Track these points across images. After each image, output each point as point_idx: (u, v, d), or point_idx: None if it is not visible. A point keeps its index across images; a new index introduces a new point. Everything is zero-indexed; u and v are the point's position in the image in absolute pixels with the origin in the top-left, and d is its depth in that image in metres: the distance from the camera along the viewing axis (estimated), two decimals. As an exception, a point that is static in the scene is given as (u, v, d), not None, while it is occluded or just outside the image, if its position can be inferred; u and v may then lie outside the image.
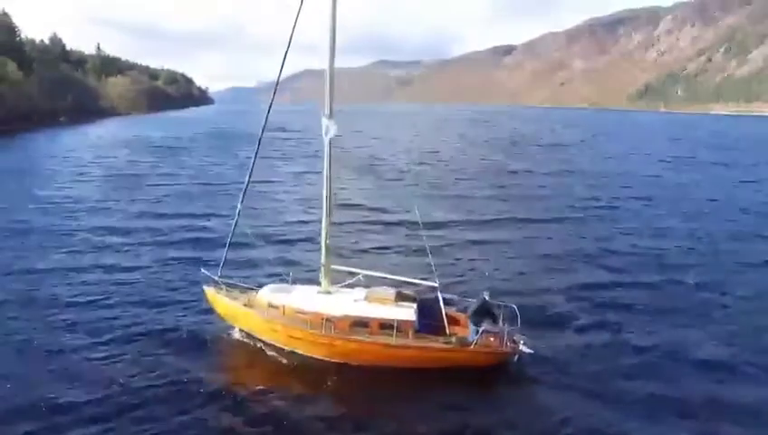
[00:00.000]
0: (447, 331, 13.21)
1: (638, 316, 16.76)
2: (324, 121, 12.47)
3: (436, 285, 13.57)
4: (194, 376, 12.56)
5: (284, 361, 13.38)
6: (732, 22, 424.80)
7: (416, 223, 19.63)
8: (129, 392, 11.88)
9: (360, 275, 14.22)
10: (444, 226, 27.54)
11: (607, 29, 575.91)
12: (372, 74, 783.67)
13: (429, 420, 11.39)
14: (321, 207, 13.69)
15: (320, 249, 14.18)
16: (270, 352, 13.69)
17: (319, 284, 14.38)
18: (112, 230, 24.79)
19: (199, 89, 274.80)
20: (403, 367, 12.89)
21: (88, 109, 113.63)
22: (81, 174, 41.41)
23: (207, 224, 26.43)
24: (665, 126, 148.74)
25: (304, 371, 12.99)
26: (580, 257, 22.81)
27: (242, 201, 14.31)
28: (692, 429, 11.42)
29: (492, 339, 13.09)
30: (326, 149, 13.09)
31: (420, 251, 18.41)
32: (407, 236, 24.61)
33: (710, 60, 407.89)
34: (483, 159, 58.68)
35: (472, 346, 12.89)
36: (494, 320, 13.27)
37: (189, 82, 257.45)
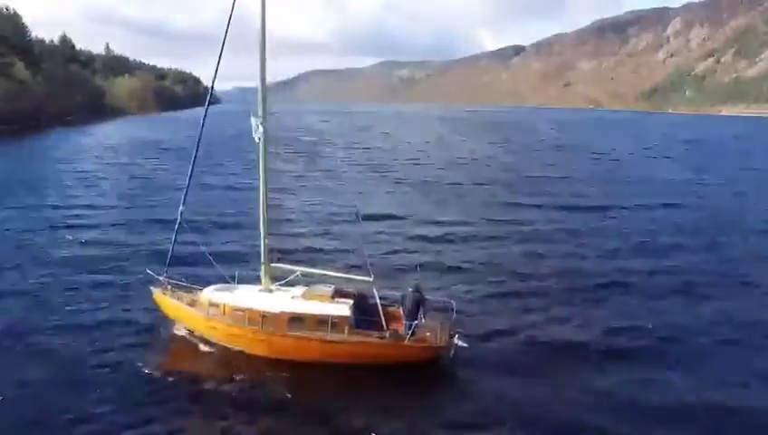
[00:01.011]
0: (385, 326, 13.28)
1: (586, 316, 16.85)
2: (253, 121, 12.67)
3: (370, 279, 13.62)
4: (135, 376, 12.74)
5: (224, 358, 13.55)
6: (741, 23, 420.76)
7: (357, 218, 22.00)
8: (73, 391, 12.10)
9: (298, 273, 14.38)
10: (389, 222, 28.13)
11: (616, 30, 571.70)
12: (378, 74, 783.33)
13: (363, 415, 11.53)
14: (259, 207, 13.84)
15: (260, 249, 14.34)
16: (210, 350, 13.91)
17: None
18: (95, 238, 24.44)
19: (206, 88, 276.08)
20: (340, 362, 13.05)
21: (96, 109, 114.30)
22: (81, 178, 40.60)
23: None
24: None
25: (242, 367, 13.13)
26: (535, 256, 23.00)
27: (183, 202, 14.48)
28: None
29: (427, 334, 13.22)
30: (260, 148, 13.28)
31: (359, 247, 18.17)
32: (347, 232, 24.39)
33: (719, 61, 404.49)
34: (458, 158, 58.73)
35: (406, 341, 13.01)
36: (425, 314, 13.37)
37: (197, 81, 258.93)
